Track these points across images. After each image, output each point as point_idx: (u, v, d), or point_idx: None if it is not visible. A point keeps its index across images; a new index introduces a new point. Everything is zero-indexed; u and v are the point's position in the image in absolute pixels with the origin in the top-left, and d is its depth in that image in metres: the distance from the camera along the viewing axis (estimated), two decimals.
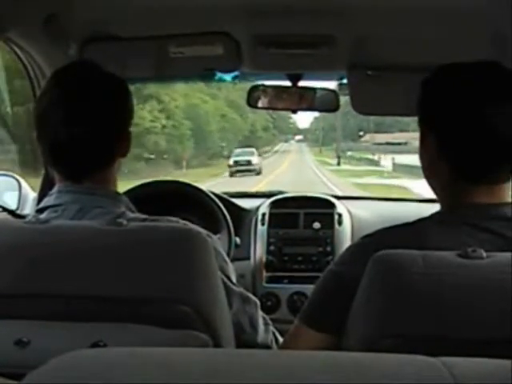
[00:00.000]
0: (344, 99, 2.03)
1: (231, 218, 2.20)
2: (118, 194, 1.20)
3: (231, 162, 28.64)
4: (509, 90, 1.04)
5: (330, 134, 69.38)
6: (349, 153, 47.32)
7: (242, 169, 26.91)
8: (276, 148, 67.30)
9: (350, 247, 1.14)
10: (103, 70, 1.19)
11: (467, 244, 0.92)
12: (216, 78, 1.98)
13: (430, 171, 1.13)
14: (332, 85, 2.18)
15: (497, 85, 1.04)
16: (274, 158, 48.73)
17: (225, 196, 2.43)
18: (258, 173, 27.04)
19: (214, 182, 19.94)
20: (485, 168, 1.05)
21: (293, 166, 34.37)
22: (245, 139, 47.24)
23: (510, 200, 1.06)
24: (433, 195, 1.16)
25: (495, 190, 1.05)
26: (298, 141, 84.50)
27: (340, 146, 48.84)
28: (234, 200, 2.47)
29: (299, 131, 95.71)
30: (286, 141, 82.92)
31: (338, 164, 37.89)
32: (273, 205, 2.43)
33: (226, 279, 1.15)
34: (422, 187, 1.20)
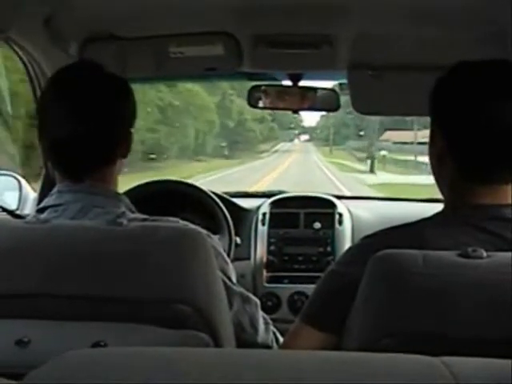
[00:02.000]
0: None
1: (231, 218, 2.20)
2: (118, 193, 1.20)
3: None
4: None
5: (342, 132, 55.56)
6: (382, 152, 31.14)
7: None
8: (277, 147, 56.95)
9: (350, 248, 1.14)
10: (105, 69, 1.19)
11: (467, 245, 0.92)
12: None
13: (437, 170, 1.13)
14: (332, 84, 2.19)
15: (504, 84, 1.04)
16: (272, 158, 40.17)
17: (225, 196, 2.43)
18: None
19: None
20: (490, 168, 1.05)
21: (295, 168, 27.08)
22: (226, 132, 34.02)
23: (510, 199, 1.06)
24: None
25: (499, 190, 1.05)
26: (304, 141, 72.55)
27: (375, 144, 34.66)
28: (235, 200, 2.47)
29: (304, 130, 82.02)
30: (291, 140, 72.24)
31: (372, 171, 25.05)
32: (273, 204, 2.43)
33: (226, 279, 1.15)
34: None
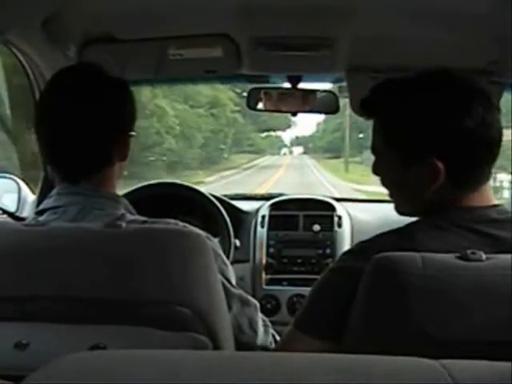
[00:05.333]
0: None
1: (231, 221, 2.20)
2: (117, 195, 1.20)
3: None
4: (473, 92, 1.06)
5: (354, 137, 34.37)
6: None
7: None
8: (256, 162, 37.38)
9: (344, 254, 1.13)
10: (105, 72, 1.19)
11: (458, 246, 0.92)
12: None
13: (407, 178, 1.11)
14: (330, 86, 2.19)
15: (465, 93, 1.06)
16: (238, 178, 24.32)
17: (225, 198, 2.43)
18: None
19: None
20: (479, 174, 1.08)
21: None
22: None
23: (493, 200, 1.08)
24: None
25: (481, 191, 1.08)
26: (298, 154, 54.44)
27: None
28: (234, 202, 2.47)
29: (298, 141, 63.02)
30: (278, 151, 53.54)
31: None
32: (272, 207, 2.43)
33: (225, 281, 1.15)
34: None
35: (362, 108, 1.17)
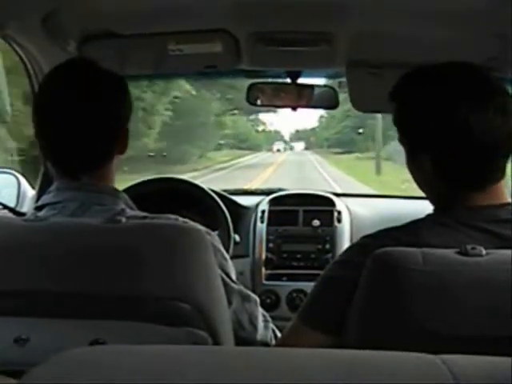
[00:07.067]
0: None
1: (230, 216, 2.20)
2: (117, 190, 1.19)
3: None
4: (487, 93, 1.05)
5: (369, 125, 25.23)
6: None
7: None
8: (234, 161, 29.46)
9: (347, 249, 1.14)
10: (101, 67, 1.19)
11: (463, 243, 0.92)
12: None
13: (424, 185, 1.15)
14: (330, 82, 2.19)
15: (477, 91, 1.06)
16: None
17: (224, 193, 2.43)
18: None
19: None
20: (479, 176, 1.06)
21: None
22: None
23: (505, 199, 1.07)
24: None
25: (491, 190, 1.06)
26: (301, 150, 44.84)
27: None
28: (234, 197, 2.47)
29: (298, 135, 55.34)
30: (277, 147, 44.12)
31: None
32: (272, 202, 2.43)
33: (225, 276, 1.15)
34: None
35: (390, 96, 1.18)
